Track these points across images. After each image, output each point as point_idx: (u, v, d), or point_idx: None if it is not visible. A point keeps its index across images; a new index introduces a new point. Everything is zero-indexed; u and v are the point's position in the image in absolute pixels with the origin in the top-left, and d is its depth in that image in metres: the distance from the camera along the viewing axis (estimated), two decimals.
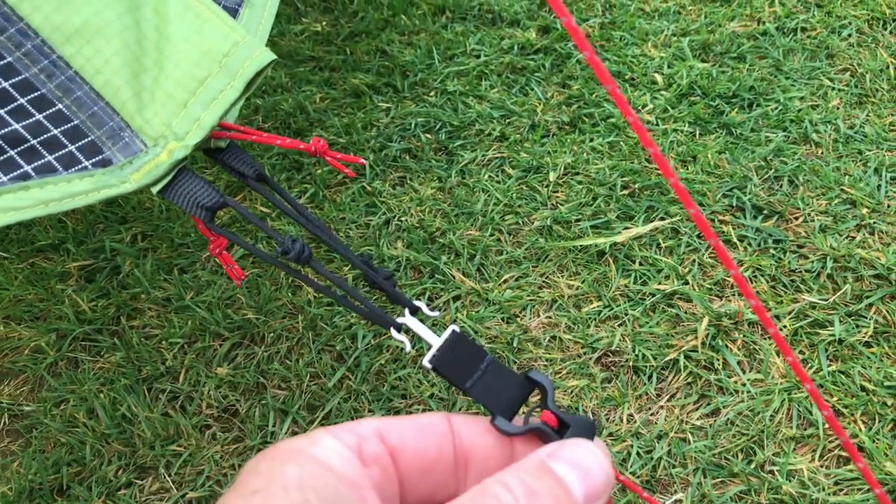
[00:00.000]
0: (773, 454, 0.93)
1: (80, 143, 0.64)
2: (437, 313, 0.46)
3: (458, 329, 0.48)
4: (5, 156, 0.63)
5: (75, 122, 0.65)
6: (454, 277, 1.13)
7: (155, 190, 0.64)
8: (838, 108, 1.30)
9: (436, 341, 0.48)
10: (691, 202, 0.39)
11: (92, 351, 1.13)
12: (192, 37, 0.64)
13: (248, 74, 0.63)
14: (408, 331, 0.50)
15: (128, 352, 1.11)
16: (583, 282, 1.11)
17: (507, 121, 1.35)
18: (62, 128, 0.65)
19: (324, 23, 1.61)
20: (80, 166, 0.64)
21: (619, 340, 1.04)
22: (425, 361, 0.48)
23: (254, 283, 1.16)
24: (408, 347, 0.50)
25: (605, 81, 0.32)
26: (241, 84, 0.63)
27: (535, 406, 0.53)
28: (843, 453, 0.92)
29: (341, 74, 1.49)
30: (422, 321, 0.50)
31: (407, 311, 0.50)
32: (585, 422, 0.51)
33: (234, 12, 0.79)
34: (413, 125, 1.36)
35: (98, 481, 0.99)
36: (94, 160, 0.64)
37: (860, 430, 0.93)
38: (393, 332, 0.50)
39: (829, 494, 0.88)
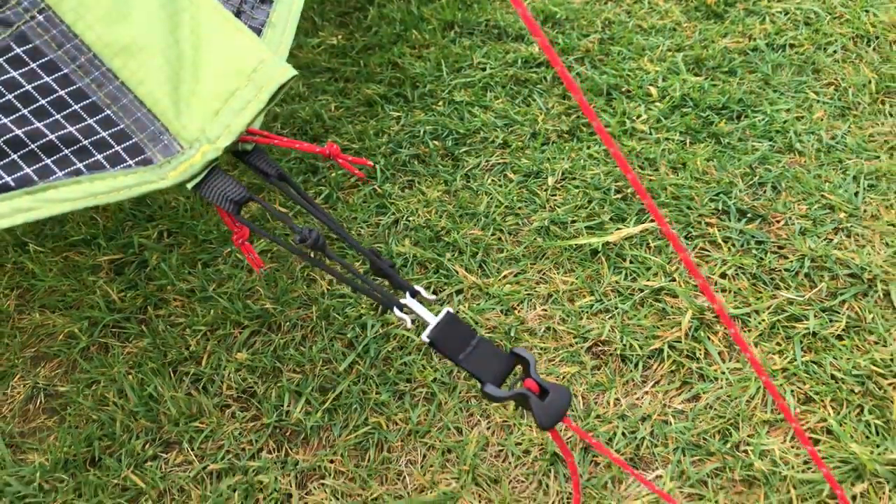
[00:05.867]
0: (748, 435, 1.00)
1: (125, 145, 0.74)
2: (434, 297, 0.55)
3: (452, 311, 0.57)
4: (61, 154, 0.73)
5: (121, 126, 0.75)
6: (457, 273, 1.22)
7: (190, 186, 0.74)
8: (822, 120, 1.38)
9: (433, 319, 0.57)
10: (645, 194, 0.47)
11: (121, 337, 1.23)
12: (225, 54, 0.73)
13: (272, 88, 0.72)
14: (409, 311, 0.59)
15: (154, 338, 1.20)
16: (577, 278, 1.19)
17: (510, 129, 1.44)
18: (110, 131, 0.74)
19: (339, 36, 1.70)
20: (124, 164, 0.74)
21: (609, 331, 1.12)
22: (424, 336, 0.58)
23: (271, 276, 1.25)
24: (408, 324, 0.59)
25: (536, 34, 0.41)
26: (266, 96, 0.72)
27: (520, 377, 0.62)
28: (814, 435, 1.00)
29: (355, 85, 1.58)
30: (422, 303, 0.59)
31: (408, 293, 0.59)
32: (563, 389, 0.60)
33: (258, 32, 0.89)
34: (422, 132, 1.46)
35: (127, 454, 1.08)
36: (137, 159, 0.73)
37: (829, 414, 1.00)
38: (396, 310, 0.59)
39: (798, 472, 0.96)
